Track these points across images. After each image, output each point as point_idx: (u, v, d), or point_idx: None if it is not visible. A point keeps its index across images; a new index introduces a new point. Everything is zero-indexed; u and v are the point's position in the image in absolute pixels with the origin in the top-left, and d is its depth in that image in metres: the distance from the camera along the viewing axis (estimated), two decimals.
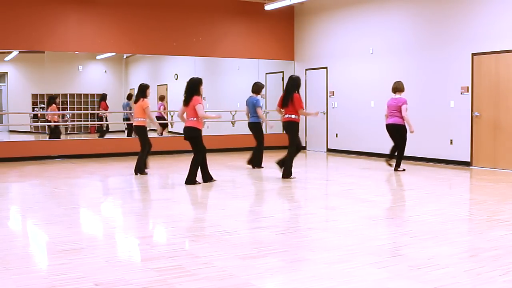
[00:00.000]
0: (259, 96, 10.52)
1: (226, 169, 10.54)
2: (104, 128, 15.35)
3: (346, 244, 4.85)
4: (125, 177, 9.72)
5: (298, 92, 8.94)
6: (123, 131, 15.68)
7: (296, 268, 4.15)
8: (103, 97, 15.66)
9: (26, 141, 13.61)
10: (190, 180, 8.40)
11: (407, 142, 9.90)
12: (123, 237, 5.37)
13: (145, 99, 9.52)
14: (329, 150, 14.14)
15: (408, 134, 9.82)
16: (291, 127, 8.92)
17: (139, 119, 9.54)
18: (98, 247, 4.85)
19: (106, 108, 15.43)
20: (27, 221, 6.22)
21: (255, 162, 10.47)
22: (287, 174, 9.00)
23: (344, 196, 7.64)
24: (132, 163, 10.01)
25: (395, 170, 9.94)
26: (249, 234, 5.37)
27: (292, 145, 8.97)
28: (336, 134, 13.93)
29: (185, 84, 8.50)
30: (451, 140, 10.96)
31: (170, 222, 5.98)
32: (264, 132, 10.71)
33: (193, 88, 8.34)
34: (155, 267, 4.13)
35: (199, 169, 8.52)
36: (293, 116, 8.86)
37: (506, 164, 10.02)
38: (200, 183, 8.46)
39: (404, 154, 10.08)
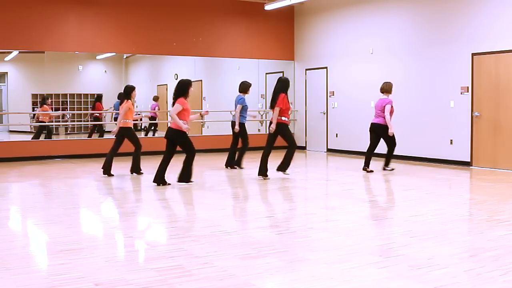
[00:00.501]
0: (246, 96, 10.50)
1: (226, 169, 10.53)
2: (100, 128, 15.31)
3: (346, 244, 4.85)
4: (125, 177, 9.72)
5: (286, 94, 8.93)
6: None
7: (296, 268, 4.15)
8: (98, 97, 15.64)
9: (26, 141, 13.60)
10: (183, 178, 8.34)
11: (397, 142, 9.95)
12: (123, 237, 5.37)
13: (128, 101, 9.52)
14: (329, 150, 14.14)
15: (402, 133, 9.88)
16: (281, 130, 8.87)
17: (125, 120, 9.55)
18: (98, 247, 4.85)
19: (101, 109, 15.41)
20: (27, 221, 6.22)
21: (236, 161, 10.45)
22: (283, 168, 8.98)
23: (344, 196, 7.63)
24: (131, 163, 9.97)
25: (383, 169, 9.93)
26: (249, 234, 5.37)
27: (292, 144, 8.92)
28: (336, 134, 13.92)
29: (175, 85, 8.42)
30: (451, 140, 10.96)
31: (170, 222, 5.98)
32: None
33: (181, 89, 8.21)
34: (155, 267, 4.13)
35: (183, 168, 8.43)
36: (282, 118, 8.84)
37: (506, 164, 10.02)
38: (193, 182, 8.43)
39: (405, 154, 10.10)
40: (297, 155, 13.65)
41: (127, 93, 9.59)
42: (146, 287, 3.68)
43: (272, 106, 8.92)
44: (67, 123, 15.35)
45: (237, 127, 10.28)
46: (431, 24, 11.35)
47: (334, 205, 6.99)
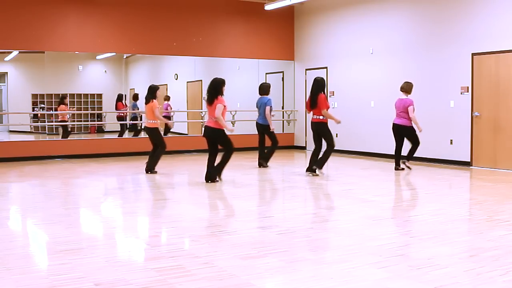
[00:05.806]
0: (269, 96, 10.53)
1: (226, 168, 10.51)
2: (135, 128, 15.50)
3: (346, 244, 4.85)
4: (125, 177, 9.72)
5: (324, 93, 9.19)
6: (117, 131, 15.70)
7: (296, 268, 4.15)
8: (119, 97, 15.69)
9: (26, 141, 13.61)
10: (213, 176, 8.51)
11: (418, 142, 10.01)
12: (123, 237, 5.37)
13: (154, 101, 9.55)
14: None
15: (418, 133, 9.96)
16: (321, 128, 9.17)
17: (150, 120, 9.56)
18: (98, 247, 4.85)
19: (123, 108, 15.49)
20: (27, 221, 6.22)
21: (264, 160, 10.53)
22: (319, 165, 9.27)
23: (344, 196, 7.63)
24: (132, 163, 10.03)
25: (403, 163, 10.01)
26: (249, 234, 5.37)
27: (330, 144, 9.20)
28: (336, 134, 13.82)
29: (208, 83, 8.55)
30: (451, 140, 10.96)
31: (170, 222, 5.98)
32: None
33: (218, 87, 8.36)
34: (155, 267, 4.12)
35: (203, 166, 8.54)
36: (321, 117, 9.11)
37: (506, 164, 10.02)
38: (219, 181, 8.53)
39: (405, 154, 10.13)
40: (297, 155, 13.67)
41: (153, 92, 9.59)
42: (146, 287, 3.68)
43: (313, 106, 9.12)
44: (67, 123, 15.34)
45: (272, 126, 10.40)
46: (431, 24, 11.35)
47: (334, 205, 6.99)
